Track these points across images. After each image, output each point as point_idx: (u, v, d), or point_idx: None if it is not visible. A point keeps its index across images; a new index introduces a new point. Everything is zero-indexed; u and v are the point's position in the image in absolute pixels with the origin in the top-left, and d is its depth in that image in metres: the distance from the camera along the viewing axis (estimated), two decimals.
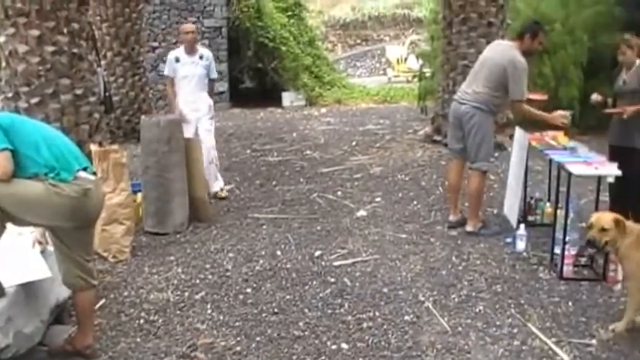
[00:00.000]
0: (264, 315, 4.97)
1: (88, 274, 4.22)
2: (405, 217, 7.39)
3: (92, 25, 8.86)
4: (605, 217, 4.61)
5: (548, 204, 6.98)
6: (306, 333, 4.67)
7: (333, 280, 5.64)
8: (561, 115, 6.58)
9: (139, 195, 7.15)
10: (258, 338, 4.61)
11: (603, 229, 4.53)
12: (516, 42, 6.58)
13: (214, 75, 8.48)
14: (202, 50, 8.34)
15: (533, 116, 6.63)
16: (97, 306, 4.97)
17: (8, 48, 6.89)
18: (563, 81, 11.22)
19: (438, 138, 11.18)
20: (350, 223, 7.22)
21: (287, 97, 18.16)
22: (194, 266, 6.01)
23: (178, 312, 5.06)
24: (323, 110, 17.21)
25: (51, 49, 6.88)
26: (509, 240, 6.45)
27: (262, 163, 10.45)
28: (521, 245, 6.24)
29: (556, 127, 6.73)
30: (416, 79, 16.53)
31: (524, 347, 4.43)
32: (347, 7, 32.78)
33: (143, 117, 7.63)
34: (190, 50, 8.13)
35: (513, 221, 6.70)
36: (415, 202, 7.93)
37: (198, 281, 5.67)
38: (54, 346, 4.36)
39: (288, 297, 5.29)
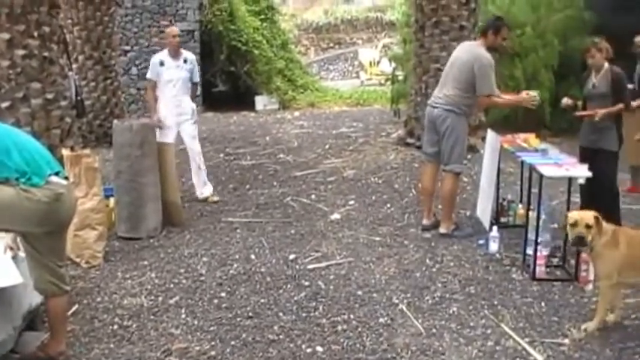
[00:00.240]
0: (238, 319, 4.96)
1: (61, 280, 4.18)
2: (378, 219, 7.41)
3: (63, 29, 8.76)
4: (588, 215, 4.64)
5: (520, 205, 7.03)
6: (281, 337, 4.67)
7: (307, 283, 5.64)
8: (530, 97, 6.63)
9: (112, 200, 7.10)
10: (232, 342, 4.59)
11: (588, 226, 4.56)
12: (480, 39, 6.66)
13: (197, 79, 8.46)
14: (186, 54, 8.28)
15: (504, 104, 6.69)
16: (70, 312, 4.92)
17: None
18: (534, 83, 11.31)
19: (411, 141, 11.22)
20: (324, 226, 7.23)
21: (260, 101, 18.15)
22: (168, 271, 5.98)
23: (152, 317, 5.03)
24: (296, 114, 17.22)
25: (21, 52, 6.80)
26: (482, 242, 6.50)
27: (236, 167, 10.43)
28: (494, 247, 6.28)
29: (528, 130, 6.79)
30: (389, 82, 16.61)
31: (497, 348, 4.45)
32: (320, 11, 32.86)
33: (115, 121, 7.57)
34: (175, 54, 8.08)
35: (486, 223, 6.74)
36: (389, 205, 7.95)
37: (172, 286, 5.64)
38: (26, 353, 4.31)
39: (262, 301, 5.28)
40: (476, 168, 9.05)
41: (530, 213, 5.99)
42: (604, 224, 4.63)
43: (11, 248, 4.45)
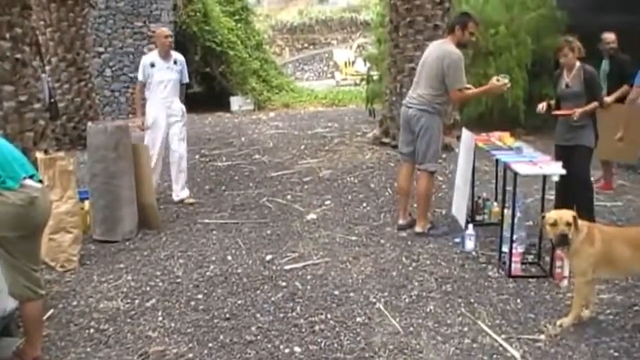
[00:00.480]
0: (215, 321, 4.95)
1: (36, 284, 4.14)
2: (354, 219, 7.43)
3: (36, 30, 8.70)
4: (567, 214, 4.69)
5: (495, 203, 7.08)
6: (259, 337, 4.66)
7: (284, 283, 5.64)
8: (501, 82, 6.63)
9: (87, 203, 7.05)
10: (210, 344, 4.58)
11: (568, 224, 4.61)
12: (449, 36, 6.69)
13: (187, 80, 8.42)
14: (176, 55, 8.23)
15: (477, 94, 6.73)
16: (46, 316, 4.88)
17: None
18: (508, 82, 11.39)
19: (386, 140, 11.26)
20: (300, 226, 7.23)
21: (235, 102, 18.11)
22: (144, 273, 5.95)
23: (129, 320, 5.00)
24: (271, 114, 17.20)
25: None
26: (458, 240, 6.53)
27: (211, 168, 10.40)
28: (469, 245, 6.32)
29: (502, 129, 6.83)
30: (364, 82, 16.63)
31: (474, 345, 4.48)
32: (294, 11, 32.88)
33: (90, 123, 7.51)
34: (165, 55, 8.03)
35: (462, 221, 6.78)
36: (365, 205, 7.97)
37: (148, 288, 5.61)
38: (2, 359, 4.27)
39: (239, 302, 5.27)
40: (451, 167, 9.10)
41: (506, 211, 6.04)
42: (580, 222, 4.69)
43: None
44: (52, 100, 9.11)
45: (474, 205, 7.16)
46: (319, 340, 4.58)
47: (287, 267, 6.02)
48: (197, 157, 11.21)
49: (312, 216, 7.59)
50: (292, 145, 12.06)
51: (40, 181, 4.23)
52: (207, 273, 5.92)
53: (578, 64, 6.38)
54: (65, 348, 4.56)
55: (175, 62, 8.09)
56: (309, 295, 5.38)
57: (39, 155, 6.26)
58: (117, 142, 6.84)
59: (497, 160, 6.56)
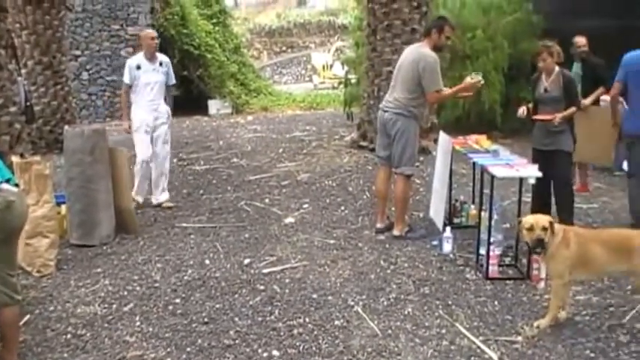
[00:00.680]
0: (194, 325, 4.93)
1: (12, 290, 4.11)
2: (333, 222, 7.44)
3: (11, 33, 8.64)
4: (543, 218, 4.73)
5: (472, 206, 7.12)
6: (237, 341, 4.65)
7: (262, 287, 5.63)
8: (474, 80, 6.67)
9: (64, 207, 7.00)
10: (188, 349, 4.57)
11: (544, 229, 4.64)
12: (425, 40, 6.72)
13: (173, 81, 8.35)
14: (161, 57, 8.17)
15: (452, 94, 6.75)
16: (22, 322, 4.84)
17: None
18: (485, 86, 11.45)
19: (364, 143, 11.28)
20: (278, 230, 7.22)
21: (213, 105, 18.08)
22: (122, 278, 5.92)
23: (106, 325, 4.97)
24: (249, 118, 17.19)
25: None
26: (435, 242, 6.56)
27: (189, 172, 10.37)
28: (447, 247, 6.35)
29: (479, 132, 6.87)
30: (341, 86, 16.65)
31: (452, 347, 4.50)
32: (272, 14, 32.91)
33: (66, 127, 7.47)
34: (151, 57, 7.98)
35: (439, 224, 6.81)
36: (343, 208, 7.98)
37: (126, 293, 5.58)
38: None
39: (217, 306, 5.26)
40: (428, 170, 9.13)
41: (483, 213, 6.07)
42: (556, 225, 4.73)
43: None
44: (28, 104, 9.03)
45: (452, 207, 7.19)
46: (297, 344, 4.58)
47: (265, 271, 6.01)
48: (175, 160, 11.15)
49: (290, 219, 7.58)
50: (270, 148, 12.05)
51: (17, 185, 4.20)
52: (185, 277, 5.90)
53: (557, 69, 6.40)
54: (42, 354, 4.52)
55: (161, 64, 8.04)
56: (288, 298, 5.38)
57: (15, 159, 6.21)
58: (94, 146, 6.80)
59: (474, 163, 6.60)
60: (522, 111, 6.70)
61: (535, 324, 4.71)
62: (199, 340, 4.67)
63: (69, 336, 4.80)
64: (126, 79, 7.98)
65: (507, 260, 6.00)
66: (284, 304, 5.25)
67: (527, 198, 6.46)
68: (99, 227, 6.83)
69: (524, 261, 5.77)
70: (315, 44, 30.09)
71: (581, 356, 4.33)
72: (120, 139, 8.21)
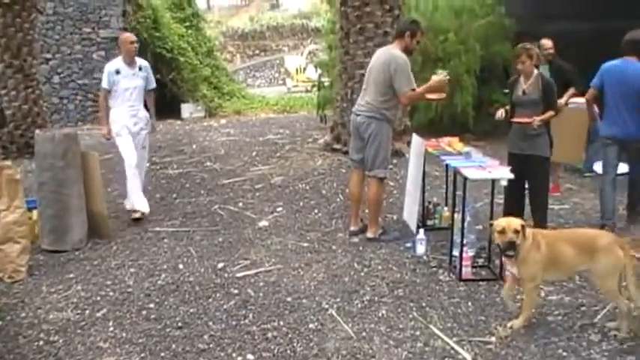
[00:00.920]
0: (168, 330, 4.91)
1: None
2: (306, 225, 7.44)
3: None
4: (515, 221, 4.75)
5: (445, 208, 7.16)
6: (211, 346, 4.64)
7: (236, 291, 5.62)
8: (440, 77, 6.65)
9: (35, 212, 6.93)
10: (162, 354, 4.54)
11: (516, 232, 4.67)
12: (396, 41, 6.75)
13: (153, 85, 8.21)
14: (140, 61, 7.99)
15: (422, 93, 6.72)
16: None
17: None
18: (458, 88, 11.52)
19: (337, 146, 11.28)
20: (252, 233, 7.21)
21: (186, 109, 18.00)
22: (94, 283, 5.88)
23: (79, 331, 4.94)
24: (223, 121, 17.13)
25: None
26: (409, 244, 6.59)
27: (162, 175, 10.31)
28: (421, 249, 6.37)
29: (452, 134, 6.90)
30: (315, 89, 16.65)
31: (427, 348, 4.52)
32: (245, 18, 32.82)
33: (37, 131, 7.40)
34: (131, 61, 7.79)
35: (413, 226, 6.84)
36: (316, 211, 7.99)
37: (99, 298, 5.54)
38: None
39: (191, 310, 5.24)
40: (402, 172, 9.15)
41: (456, 215, 6.11)
42: (527, 229, 4.76)
43: None
44: None
45: (425, 210, 7.22)
46: (272, 347, 4.58)
47: (239, 274, 6.00)
48: (147, 164, 11.06)
49: (263, 223, 7.57)
50: (244, 152, 12.01)
51: None
52: (159, 282, 5.87)
53: (535, 71, 6.39)
54: None
55: (140, 68, 7.88)
56: (262, 302, 5.37)
57: None
58: (65, 150, 6.75)
59: (447, 165, 6.62)
60: (500, 114, 6.65)
61: (508, 324, 4.75)
62: (173, 345, 4.65)
63: (41, 343, 4.76)
64: (104, 84, 7.77)
65: (480, 261, 6.04)
66: (258, 308, 5.25)
67: (500, 200, 6.50)
68: (71, 232, 6.78)
69: (497, 262, 5.81)
70: (288, 47, 30.05)
71: (553, 355, 4.38)
72: (92, 143, 8.12)
